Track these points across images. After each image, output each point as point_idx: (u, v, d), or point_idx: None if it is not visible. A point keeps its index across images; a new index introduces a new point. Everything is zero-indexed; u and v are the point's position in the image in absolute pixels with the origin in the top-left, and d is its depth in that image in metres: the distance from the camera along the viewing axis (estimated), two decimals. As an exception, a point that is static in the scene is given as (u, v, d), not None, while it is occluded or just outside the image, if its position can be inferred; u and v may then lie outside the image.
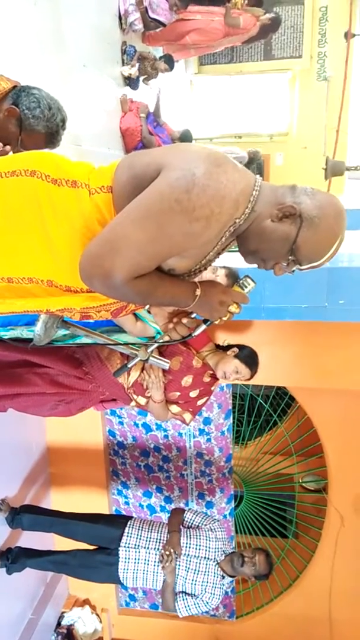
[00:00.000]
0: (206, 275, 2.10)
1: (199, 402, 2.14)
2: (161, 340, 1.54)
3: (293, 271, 1.23)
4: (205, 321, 1.37)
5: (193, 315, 1.36)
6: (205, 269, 1.25)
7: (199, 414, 3.34)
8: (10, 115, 1.54)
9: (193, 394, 2.10)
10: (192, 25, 4.98)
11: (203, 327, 1.38)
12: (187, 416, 2.16)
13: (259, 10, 5.32)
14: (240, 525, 4.50)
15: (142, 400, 2.12)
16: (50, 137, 1.62)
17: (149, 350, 1.55)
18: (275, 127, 7.11)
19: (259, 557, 2.65)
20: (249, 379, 2.17)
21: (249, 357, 2.16)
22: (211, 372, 2.15)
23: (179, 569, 2.64)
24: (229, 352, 2.18)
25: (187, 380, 2.07)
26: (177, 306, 1.29)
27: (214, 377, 2.16)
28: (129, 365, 1.58)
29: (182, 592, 2.66)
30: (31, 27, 2.89)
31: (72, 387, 2.08)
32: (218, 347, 2.28)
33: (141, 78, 4.84)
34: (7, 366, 2.00)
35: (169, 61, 4.91)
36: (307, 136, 6.81)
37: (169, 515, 2.95)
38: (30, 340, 1.69)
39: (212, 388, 2.19)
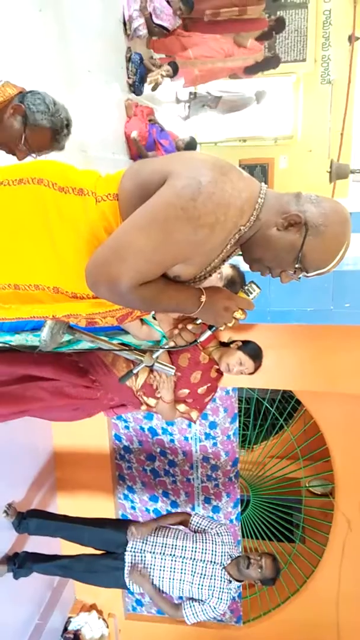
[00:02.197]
0: (212, 279, 2.10)
1: (206, 399, 2.17)
2: (167, 346, 1.55)
3: (299, 279, 1.23)
4: (210, 327, 1.37)
5: (198, 322, 1.37)
6: (210, 275, 1.25)
7: (204, 417, 3.35)
8: (15, 112, 1.55)
9: (201, 390, 2.12)
10: (196, 41, 4.99)
11: (208, 333, 1.39)
12: (194, 414, 2.17)
13: (263, 14, 5.34)
14: (246, 529, 4.49)
15: (152, 402, 2.13)
16: (55, 133, 1.61)
17: (154, 356, 1.56)
18: (280, 131, 7.10)
19: (266, 560, 2.63)
20: (252, 372, 2.16)
21: (253, 350, 2.16)
22: (217, 367, 2.16)
23: (183, 573, 2.64)
24: (232, 345, 2.18)
25: (195, 376, 2.08)
26: (182, 312, 1.30)
27: (220, 372, 2.17)
28: (135, 371, 1.59)
29: (190, 598, 2.66)
30: (36, 33, 2.91)
31: (81, 397, 2.09)
32: (222, 344, 2.29)
33: (147, 85, 4.86)
34: (14, 382, 2.00)
35: (174, 67, 4.92)
36: (311, 139, 6.81)
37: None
38: (36, 347, 1.70)
39: (218, 383, 2.21)
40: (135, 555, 2.72)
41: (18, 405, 1.99)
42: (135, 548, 2.73)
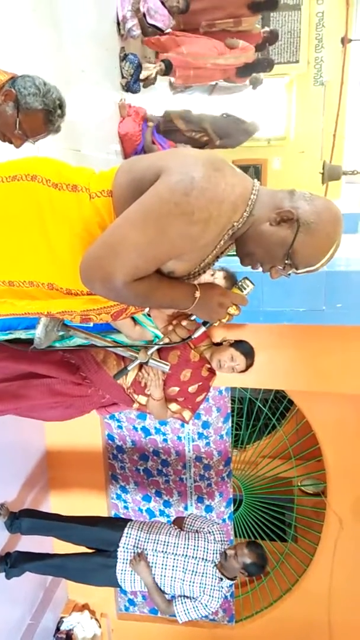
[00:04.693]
0: (204, 277, 2.10)
1: (198, 399, 2.14)
2: (161, 343, 1.55)
3: (289, 275, 1.24)
4: (204, 323, 1.38)
5: (192, 318, 1.37)
6: (204, 271, 1.26)
7: (197, 416, 3.35)
8: (7, 99, 1.53)
9: (192, 389, 2.10)
10: (189, 40, 5.03)
11: (202, 329, 1.39)
12: (187, 414, 2.15)
13: (257, 28, 5.42)
14: (239, 529, 4.50)
15: (142, 400, 2.11)
16: (49, 114, 1.58)
17: (149, 352, 1.56)
18: (273, 132, 7.14)
19: (241, 548, 2.61)
20: (244, 370, 2.15)
21: (245, 347, 2.16)
22: (209, 365, 2.14)
23: (175, 570, 2.64)
24: (224, 343, 2.18)
25: (185, 374, 2.07)
26: (176, 308, 1.30)
27: (212, 372, 2.16)
28: (129, 368, 1.59)
29: (181, 595, 2.66)
30: (30, 33, 2.91)
31: (72, 394, 2.07)
32: (215, 344, 2.29)
33: (141, 83, 4.87)
34: (4, 381, 2.00)
35: (167, 65, 4.93)
36: (304, 141, 6.85)
37: (172, 523, 2.96)
38: (29, 342, 1.69)
39: (210, 383, 2.18)
40: (128, 552, 2.72)
41: (11, 403, 1.98)
42: (128, 545, 2.74)
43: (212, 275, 2.20)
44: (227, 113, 5.24)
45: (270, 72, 5.93)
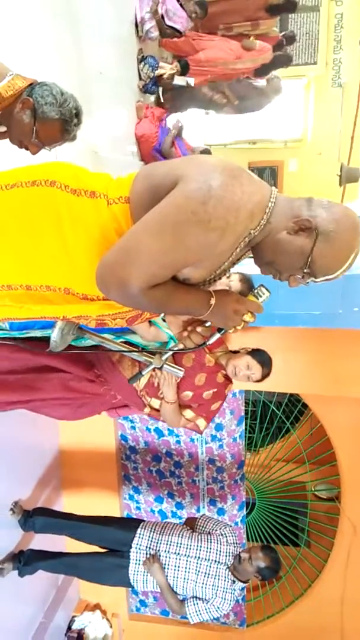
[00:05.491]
0: (220, 280, 2.10)
1: (213, 407, 2.12)
2: (176, 348, 1.55)
3: (307, 283, 1.23)
4: (219, 330, 1.38)
5: (207, 324, 1.37)
6: (220, 278, 1.26)
7: (211, 421, 3.34)
8: (24, 107, 1.54)
9: (206, 395, 2.08)
10: (207, 45, 5.03)
11: (217, 335, 1.39)
12: (201, 422, 2.13)
13: (275, 31, 5.40)
14: (251, 533, 4.48)
15: (155, 403, 2.10)
16: (65, 124, 1.59)
17: (164, 358, 1.56)
18: (290, 134, 7.09)
19: (255, 552, 2.61)
20: (260, 380, 2.12)
21: (262, 356, 2.14)
22: (224, 372, 2.12)
23: (187, 572, 2.64)
24: (241, 350, 2.16)
25: (200, 378, 2.05)
26: (191, 315, 1.31)
27: (227, 379, 2.13)
28: (143, 373, 1.59)
29: (194, 597, 2.66)
30: (49, 35, 2.93)
31: (84, 391, 2.08)
32: (232, 352, 2.27)
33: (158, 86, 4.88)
34: (20, 372, 2.02)
35: (184, 64, 4.94)
36: (321, 142, 6.79)
37: (184, 524, 2.96)
38: (45, 339, 1.70)
39: (226, 391, 2.15)
40: (141, 553, 2.73)
41: (25, 394, 1.99)
42: (140, 546, 2.74)
43: (228, 277, 2.19)
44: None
45: (288, 73, 5.91)
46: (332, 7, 6.47)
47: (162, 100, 5.20)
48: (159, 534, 2.79)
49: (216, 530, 2.79)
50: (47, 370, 2.02)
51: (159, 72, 4.67)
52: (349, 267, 1.19)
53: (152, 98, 4.95)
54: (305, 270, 1.18)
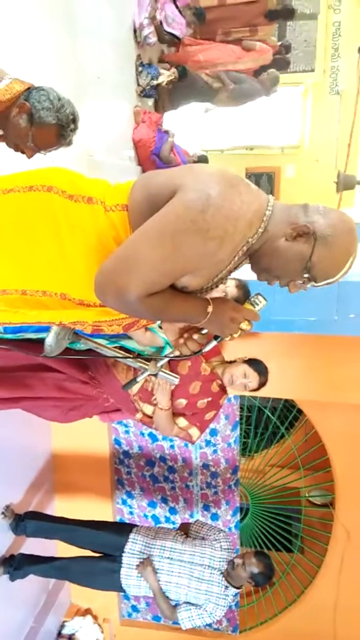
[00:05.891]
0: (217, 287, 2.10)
1: (207, 416, 2.10)
2: (171, 355, 1.55)
3: (307, 288, 1.24)
4: (215, 337, 1.38)
5: (204, 332, 1.37)
6: (217, 286, 1.26)
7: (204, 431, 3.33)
8: (21, 111, 1.54)
9: (201, 404, 2.06)
10: (205, 47, 5.07)
11: (214, 343, 1.39)
12: (194, 432, 2.11)
13: (273, 40, 5.47)
14: (245, 538, 4.47)
15: (148, 410, 2.07)
16: (61, 129, 1.59)
17: (159, 364, 1.55)
18: (287, 140, 7.13)
19: (248, 557, 2.60)
20: (256, 389, 2.12)
21: (258, 365, 2.14)
22: (220, 381, 2.11)
23: (180, 577, 2.63)
24: (237, 359, 2.16)
25: (194, 386, 2.04)
26: (189, 322, 1.31)
27: (223, 389, 2.12)
28: (138, 380, 1.58)
29: (186, 602, 2.65)
30: (47, 39, 2.94)
31: (77, 392, 2.07)
32: (228, 362, 2.26)
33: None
34: (13, 369, 2.00)
35: (181, 71, 4.95)
36: (318, 149, 6.83)
37: (177, 529, 2.94)
38: (41, 341, 1.69)
39: (221, 402, 2.15)
40: (133, 557, 2.71)
41: (16, 390, 1.97)
42: (133, 550, 2.73)
43: (224, 283, 2.19)
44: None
45: (286, 80, 5.95)
46: (330, 15, 6.52)
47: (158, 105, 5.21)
48: (153, 539, 2.78)
49: (210, 535, 2.78)
50: (42, 369, 2.01)
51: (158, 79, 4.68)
52: (349, 269, 1.21)
53: (150, 102, 4.96)
54: (305, 275, 1.19)
